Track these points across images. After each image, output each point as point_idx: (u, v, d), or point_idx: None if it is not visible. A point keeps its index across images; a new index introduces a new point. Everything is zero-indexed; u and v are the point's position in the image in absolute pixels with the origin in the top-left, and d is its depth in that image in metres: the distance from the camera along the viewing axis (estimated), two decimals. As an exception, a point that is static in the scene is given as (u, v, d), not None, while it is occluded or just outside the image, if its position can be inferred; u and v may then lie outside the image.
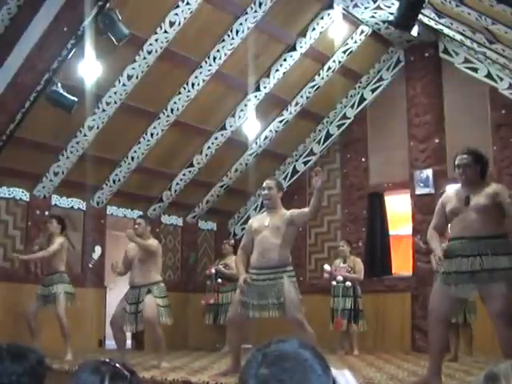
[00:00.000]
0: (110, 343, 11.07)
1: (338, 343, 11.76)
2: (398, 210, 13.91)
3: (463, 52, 12.70)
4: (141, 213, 12.65)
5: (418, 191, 12.68)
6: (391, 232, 13.74)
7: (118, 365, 2.27)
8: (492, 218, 6.39)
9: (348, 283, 11.56)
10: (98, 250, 11.08)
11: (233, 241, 13.16)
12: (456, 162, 6.73)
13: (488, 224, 6.39)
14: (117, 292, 11.14)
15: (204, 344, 12.75)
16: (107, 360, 2.26)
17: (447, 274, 6.57)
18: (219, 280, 12.52)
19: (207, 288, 12.75)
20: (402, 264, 13.62)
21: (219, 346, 12.26)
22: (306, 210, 7.59)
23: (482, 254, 6.35)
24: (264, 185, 7.89)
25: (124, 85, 10.78)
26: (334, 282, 11.67)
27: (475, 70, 12.65)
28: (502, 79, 12.37)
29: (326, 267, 11.80)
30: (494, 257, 6.32)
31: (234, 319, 7.82)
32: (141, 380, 2.43)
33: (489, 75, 12.50)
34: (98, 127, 11.20)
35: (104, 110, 11.03)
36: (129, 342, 11.90)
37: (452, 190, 6.96)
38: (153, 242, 9.33)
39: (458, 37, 11.21)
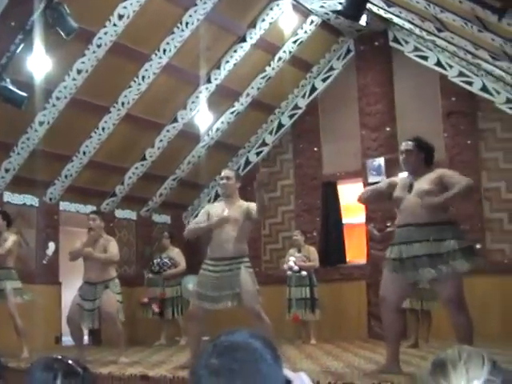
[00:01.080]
0: (68, 340, 10.99)
1: (295, 333, 11.82)
2: (352, 198, 13.98)
3: (413, 40, 12.80)
4: (94, 208, 12.58)
5: (371, 179, 12.75)
6: (345, 221, 13.84)
7: (70, 361, 2.25)
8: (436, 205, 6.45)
9: (303, 272, 11.61)
10: (51, 246, 11.00)
11: (166, 233, 13.11)
12: (400, 149, 6.87)
13: (432, 210, 6.44)
14: (72, 287, 11.05)
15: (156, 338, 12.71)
16: (60, 357, 2.25)
17: (395, 260, 6.64)
18: (162, 273, 12.51)
19: (151, 283, 12.70)
20: (356, 252, 13.72)
21: (178, 339, 12.29)
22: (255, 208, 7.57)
23: (427, 241, 6.42)
24: (222, 174, 7.87)
25: (74, 79, 10.67)
26: (289, 272, 11.72)
27: (425, 58, 12.76)
28: (451, 67, 12.49)
29: (291, 264, 11.81)
30: (440, 242, 6.38)
31: (193, 312, 7.81)
32: (94, 376, 2.43)
33: (438, 63, 12.62)
34: (48, 122, 11.09)
35: (54, 105, 10.92)
36: (86, 338, 11.84)
37: (402, 177, 7.08)
38: (113, 250, 9.23)
39: (408, 25, 11.29)
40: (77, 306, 9.06)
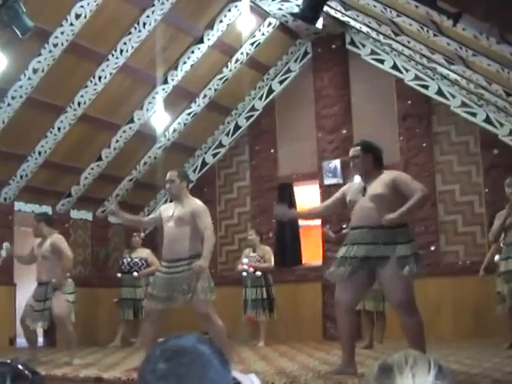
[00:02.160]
0: (22, 341, 10.88)
1: (250, 334, 11.83)
2: (308, 200, 14.04)
3: (369, 44, 12.90)
4: (49, 208, 12.51)
5: (327, 181, 12.85)
6: (301, 222, 13.86)
7: (19, 365, 2.23)
8: (388, 207, 6.49)
9: (258, 273, 11.62)
10: (6, 246, 10.87)
11: (142, 234, 13.12)
12: (349, 154, 6.95)
13: (384, 213, 6.48)
14: (27, 289, 10.96)
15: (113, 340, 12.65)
16: (8, 361, 2.22)
17: (344, 258, 6.68)
18: (135, 273, 12.49)
19: (122, 283, 12.66)
20: (312, 254, 13.78)
21: (133, 340, 12.24)
22: (205, 227, 7.56)
23: (378, 243, 6.47)
24: (167, 177, 7.84)
25: (30, 78, 10.57)
26: (244, 273, 11.72)
27: (381, 61, 12.87)
28: (407, 70, 12.61)
29: (245, 267, 11.82)
30: (391, 245, 6.44)
31: (148, 313, 7.79)
32: (44, 380, 2.40)
33: (395, 67, 12.74)
34: (3, 122, 10.96)
35: (9, 105, 10.80)
36: (40, 340, 11.73)
37: (351, 183, 7.19)
38: (67, 252, 9.19)
39: (365, 29, 11.37)
40: (29, 307, 9.02)
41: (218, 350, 1.77)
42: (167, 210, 7.82)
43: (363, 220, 6.63)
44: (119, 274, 12.70)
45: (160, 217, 7.87)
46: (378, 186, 6.58)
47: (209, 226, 7.59)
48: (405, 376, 1.69)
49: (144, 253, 12.67)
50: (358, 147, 6.87)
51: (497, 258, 9.78)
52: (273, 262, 11.89)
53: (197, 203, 7.73)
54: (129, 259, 12.74)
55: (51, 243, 9.15)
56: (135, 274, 12.51)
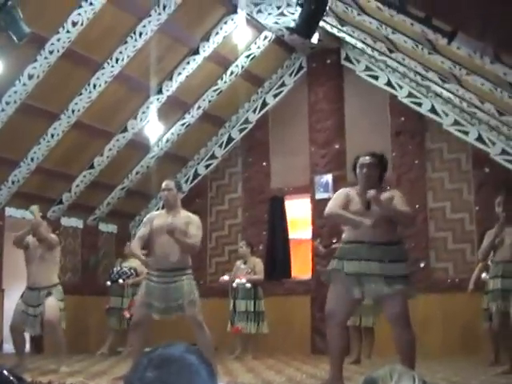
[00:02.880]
0: (8, 347, 10.86)
1: (238, 345, 11.80)
2: (299, 213, 14.07)
3: (364, 60, 12.96)
4: (40, 214, 12.49)
5: (318, 196, 12.86)
6: (291, 236, 13.89)
7: (5, 371, 2.24)
8: (388, 225, 6.49)
9: (248, 285, 11.61)
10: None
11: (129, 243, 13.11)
12: (360, 162, 6.73)
13: (384, 231, 6.48)
14: (15, 294, 10.92)
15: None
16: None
17: (340, 272, 6.63)
18: (120, 281, 12.47)
19: (110, 291, 12.65)
20: (301, 267, 13.78)
21: (121, 349, 12.22)
22: (194, 235, 7.57)
23: (378, 260, 6.45)
24: (163, 186, 7.82)
25: (24, 84, 10.57)
26: (234, 284, 11.72)
27: (376, 77, 12.93)
28: (401, 87, 12.67)
29: (224, 278, 11.87)
30: (390, 263, 6.43)
31: (137, 321, 7.75)
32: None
33: (389, 83, 12.80)
34: (-4, 127, 10.98)
35: (3, 110, 10.79)
36: (27, 346, 11.70)
37: (352, 191, 6.92)
38: (54, 237, 9.29)
39: (360, 45, 11.42)
40: (22, 312, 9.00)
41: (206, 361, 1.78)
42: (160, 219, 7.74)
43: (365, 236, 6.52)
44: (108, 283, 12.69)
45: (149, 226, 7.82)
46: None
47: (198, 237, 7.58)
48: None
49: (135, 262, 12.63)
50: (369, 157, 6.70)
51: (484, 275, 9.83)
52: (263, 274, 11.89)
53: (193, 216, 7.73)
54: (118, 268, 12.76)
55: (43, 246, 9.18)
56: (120, 281, 12.51)
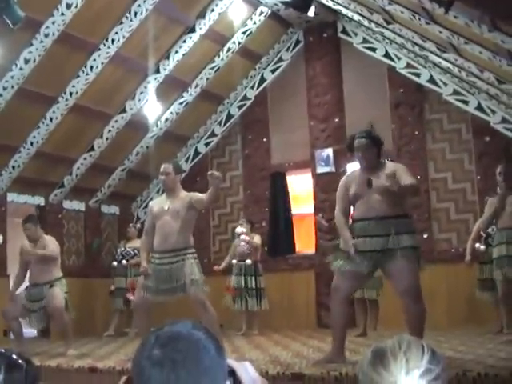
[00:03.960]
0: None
1: (244, 322, 11.83)
2: (300, 189, 14.06)
3: (361, 32, 12.90)
4: (42, 199, 12.52)
5: (319, 170, 12.83)
6: (294, 211, 13.88)
7: (13, 355, 2.24)
8: (394, 199, 6.53)
9: (248, 261, 11.63)
10: (-2, 237, 10.89)
11: (139, 225, 13.14)
12: (355, 145, 6.84)
13: (391, 205, 6.54)
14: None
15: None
16: (2, 350, 2.23)
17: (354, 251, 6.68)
18: (124, 262, 12.52)
19: (114, 272, 12.70)
20: (305, 242, 13.78)
21: (127, 330, 12.25)
22: (204, 197, 7.57)
23: (386, 234, 6.50)
24: (161, 170, 7.82)
25: (21, 69, 10.53)
26: (234, 261, 11.74)
27: (373, 49, 12.87)
28: (399, 59, 12.62)
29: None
30: (398, 236, 6.48)
31: (140, 303, 7.79)
32: (38, 369, 2.41)
33: (387, 55, 12.74)
34: (-5, 112, 10.96)
35: (1, 95, 10.75)
36: (34, 331, 11.75)
37: (352, 173, 7.07)
38: (52, 246, 9.23)
39: (356, 17, 11.35)
40: (21, 306, 9.01)
41: (213, 337, 1.77)
42: (159, 204, 7.80)
43: (370, 212, 6.63)
44: (114, 263, 12.75)
45: (151, 216, 7.86)
46: (383, 178, 6.54)
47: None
48: (398, 360, 1.70)
49: (138, 243, 12.66)
50: (364, 139, 6.81)
51: (477, 245, 9.85)
52: (259, 242, 11.95)
53: (192, 194, 7.74)
54: (122, 248, 12.85)
55: (46, 245, 9.16)
56: (124, 262, 12.57)
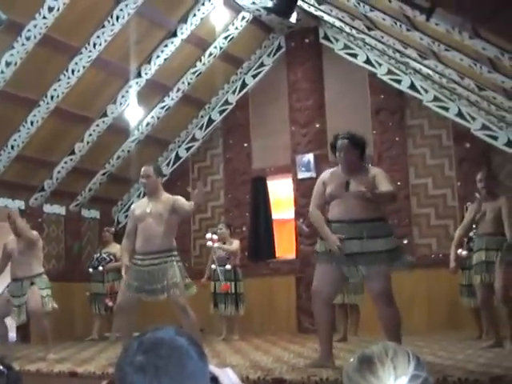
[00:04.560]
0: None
1: (224, 327, 11.80)
2: (281, 194, 14.08)
3: (343, 38, 12.95)
4: (22, 202, 12.47)
5: (300, 175, 12.88)
6: (274, 216, 13.89)
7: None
8: (370, 203, 6.52)
9: (228, 266, 11.59)
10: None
11: (113, 229, 13.15)
12: (338, 146, 6.81)
13: (366, 209, 6.53)
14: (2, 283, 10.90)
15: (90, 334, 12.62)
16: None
17: (326, 253, 6.69)
18: (100, 268, 12.49)
19: (92, 278, 12.66)
20: (285, 247, 13.81)
21: (108, 334, 12.23)
22: (188, 206, 7.59)
23: (359, 237, 6.50)
24: (142, 172, 7.83)
25: (2, 72, 10.49)
26: (213, 266, 11.69)
27: (355, 55, 12.92)
28: (380, 65, 12.68)
29: (208, 235, 11.85)
30: (372, 239, 6.48)
31: (122, 304, 7.75)
32: (19, 374, 2.41)
33: (368, 61, 12.79)
34: (-25, 116, 10.91)
35: (-19, 98, 10.74)
36: (14, 335, 11.69)
37: (331, 172, 7.01)
38: (33, 233, 9.26)
39: (338, 23, 11.40)
40: (6, 302, 8.98)
41: (196, 343, 1.78)
42: (141, 207, 7.81)
43: (345, 214, 6.61)
44: (90, 270, 12.70)
45: (132, 219, 7.86)
46: (361, 183, 6.52)
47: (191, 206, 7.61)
48: (386, 367, 1.72)
49: (114, 248, 12.62)
50: (346, 141, 6.76)
51: (459, 251, 9.90)
52: (235, 247, 11.77)
53: (175, 197, 7.77)
54: (98, 254, 12.83)
55: (25, 240, 9.16)
56: (100, 268, 12.55)
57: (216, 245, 11.71)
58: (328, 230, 6.65)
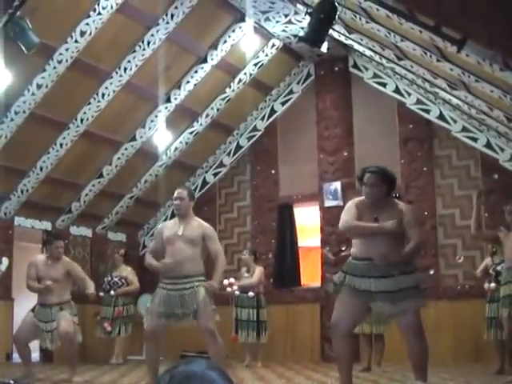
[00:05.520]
0: (17, 357, 10.84)
1: (247, 353, 11.75)
2: (308, 221, 14.06)
3: (372, 67, 12.95)
4: (49, 224, 12.53)
5: (327, 203, 12.85)
6: (300, 243, 13.87)
7: (11, 381, 2.24)
8: (396, 240, 6.43)
9: (250, 293, 11.54)
10: (5, 261, 10.88)
11: (123, 251, 13.07)
12: (365, 180, 6.67)
13: (394, 246, 6.43)
14: (24, 304, 10.93)
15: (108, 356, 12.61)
16: (11, 381, 2.23)
17: (350, 287, 6.59)
18: (112, 292, 12.44)
19: (103, 301, 12.54)
20: (310, 275, 13.76)
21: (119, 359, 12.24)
22: (218, 250, 7.72)
23: (387, 276, 6.38)
24: (175, 194, 7.74)
25: (33, 94, 10.60)
26: (236, 292, 11.66)
27: (384, 84, 12.91)
28: (409, 94, 12.65)
29: (225, 282, 11.72)
30: (401, 276, 6.37)
31: (151, 331, 7.66)
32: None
33: (397, 90, 12.78)
34: (6, 137, 10.99)
35: (12, 120, 10.83)
36: (37, 355, 11.70)
37: (361, 202, 6.86)
38: (79, 269, 9.46)
39: (368, 52, 11.41)
40: (32, 326, 8.92)
41: (227, 377, 1.77)
42: (171, 229, 7.67)
43: (373, 252, 6.50)
44: (101, 294, 12.47)
45: (160, 238, 7.80)
46: (388, 219, 6.42)
47: (221, 250, 7.79)
48: None
49: (125, 271, 12.60)
50: (375, 175, 6.57)
51: (486, 285, 9.83)
52: (256, 279, 11.66)
53: (207, 226, 7.71)
54: (109, 278, 12.72)
55: (65, 266, 9.16)
56: (112, 292, 12.45)
57: (235, 287, 11.63)
58: (372, 224, 6.48)
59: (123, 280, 12.48)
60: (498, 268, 9.55)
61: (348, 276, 6.56)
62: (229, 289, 11.63)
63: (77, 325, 9.11)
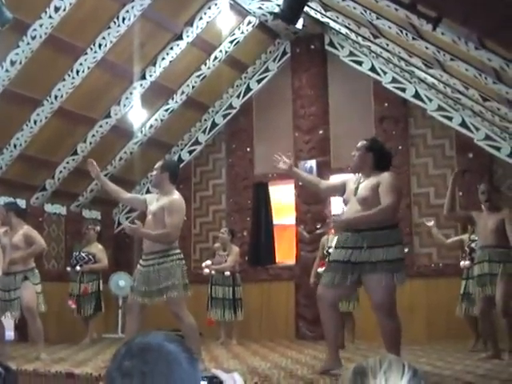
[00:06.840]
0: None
1: (222, 331, 11.77)
2: (283, 199, 14.07)
3: (348, 45, 12.94)
4: (24, 201, 12.45)
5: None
6: (276, 221, 13.89)
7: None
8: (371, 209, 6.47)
9: (226, 272, 11.53)
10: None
11: (98, 227, 12.83)
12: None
13: None
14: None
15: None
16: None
17: (334, 262, 6.67)
18: (78, 268, 12.09)
19: (70, 277, 12.34)
20: (285, 253, 13.79)
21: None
22: (169, 224, 7.30)
23: (359, 247, 6.44)
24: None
25: (7, 71, 10.48)
26: (212, 272, 11.65)
27: (360, 63, 12.91)
28: (385, 73, 12.66)
29: (206, 270, 11.72)
30: (373, 249, 6.40)
31: (129, 306, 7.63)
32: (16, 375, 2.39)
33: (373, 69, 12.78)
34: (-21, 113, 10.91)
35: (-15, 97, 10.74)
36: (12, 334, 11.65)
37: (352, 178, 6.96)
38: (39, 237, 9.32)
39: (344, 30, 11.40)
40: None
41: (187, 349, 1.77)
42: (151, 202, 7.57)
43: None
44: (68, 269, 12.35)
45: (145, 205, 7.67)
46: (366, 187, 6.52)
47: (171, 225, 7.30)
48: (378, 380, 1.70)
49: (95, 248, 12.27)
50: (362, 142, 6.85)
51: (462, 263, 9.93)
52: (231, 263, 11.60)
53: (171, 198, 7.37)
54: (77, 253, 12.39)
55: (24, 234, 9.13)
56: (78, 268, 12.08)
57: (213, 270, 11.63)
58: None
59: (90, 256, 12.08)
60: (473, 245, 9.62)
61: (335, 250, 6.71)
62: (206, 270, 11.63)
63: (41, 293, 9.11)
